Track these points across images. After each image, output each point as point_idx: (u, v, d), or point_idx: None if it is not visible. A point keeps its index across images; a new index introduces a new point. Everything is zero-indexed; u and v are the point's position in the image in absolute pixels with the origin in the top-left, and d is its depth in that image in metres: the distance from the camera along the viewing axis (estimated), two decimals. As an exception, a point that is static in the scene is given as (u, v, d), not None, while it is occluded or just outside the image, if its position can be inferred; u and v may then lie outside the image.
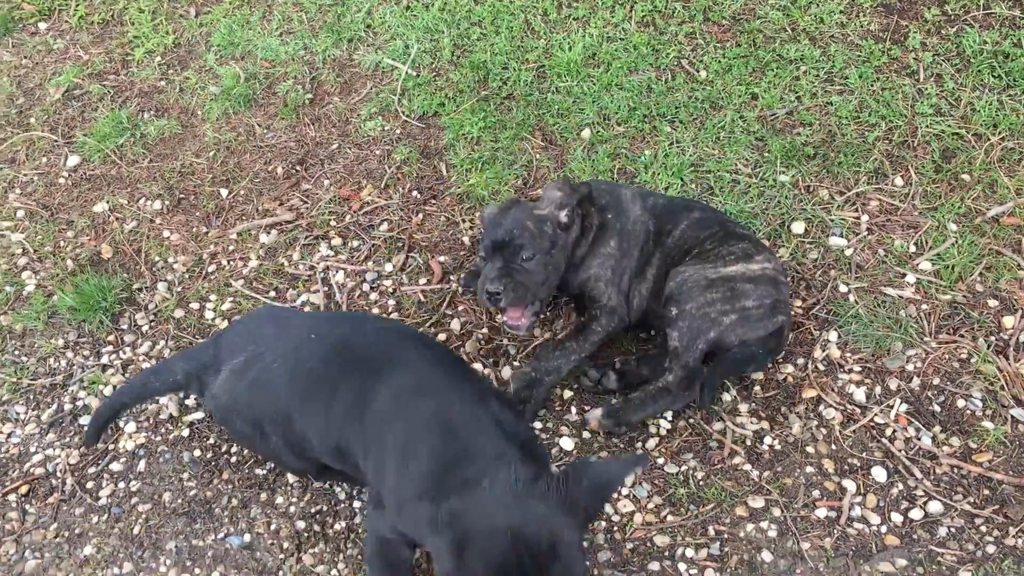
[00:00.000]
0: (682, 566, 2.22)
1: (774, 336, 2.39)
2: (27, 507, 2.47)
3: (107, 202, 3.08)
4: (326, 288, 2.84)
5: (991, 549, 2.17)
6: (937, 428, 2.39)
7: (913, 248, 2.74)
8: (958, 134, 2.92)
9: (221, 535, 2.37)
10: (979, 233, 2.72)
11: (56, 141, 3.25)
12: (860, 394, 2.47)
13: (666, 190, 2.86)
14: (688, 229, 2.54)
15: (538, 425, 2.51)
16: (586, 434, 2.49)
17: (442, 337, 2.71)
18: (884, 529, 2.23)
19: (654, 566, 2.23)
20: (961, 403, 2.43)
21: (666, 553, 2.25)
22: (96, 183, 3.14)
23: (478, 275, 2.70)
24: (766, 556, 2.21)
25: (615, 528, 2.30)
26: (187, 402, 2.63)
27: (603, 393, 2.52)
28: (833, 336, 2.57)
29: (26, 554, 2.38)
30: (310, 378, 2.12)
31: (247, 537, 2.36)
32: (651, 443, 2.44)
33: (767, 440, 2.41)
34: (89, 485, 2.50)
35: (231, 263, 2.92)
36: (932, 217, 2.78)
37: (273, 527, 2.34)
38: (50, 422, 2.63)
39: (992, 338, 2.51)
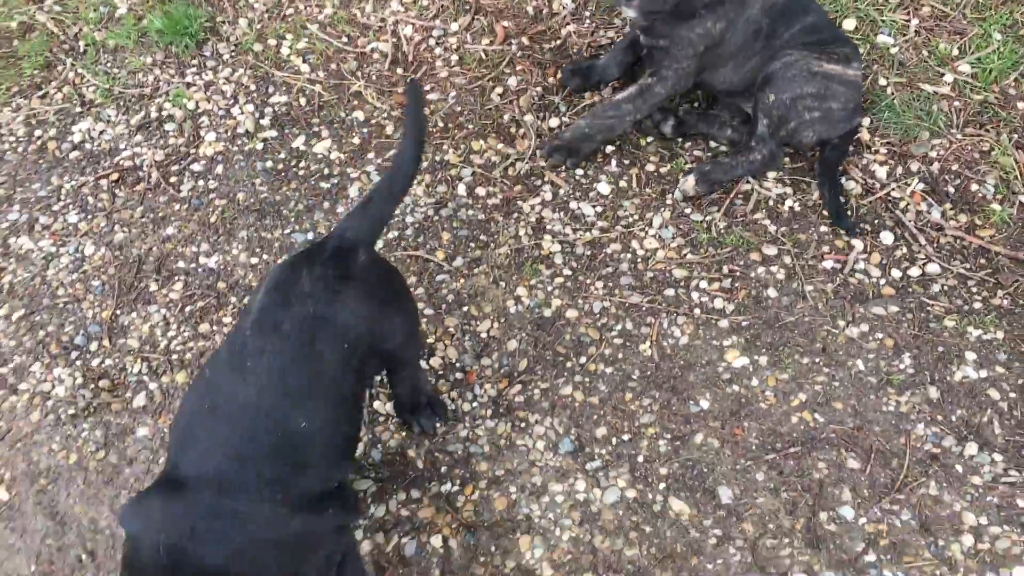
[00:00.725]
0: (695, 294, 2.51)
1: (849, 135, 2.61)
2: (116, 191, 2.81)
3: (196, -59, 3.30)
4: (395, 40, 3.07)
5: (978, 305, 2.44)
6: (948, 205, 2.62)
7: (956, 52, 2.90)
8: (1020, -51, 3.03)
9: (287, 231, 2.70)
10: (1022, 43, 2.87)
11: None
12: (882, 172, 2.70)
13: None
14: (799, 34, 2.62)
15: (579, 172, 2.77)
16: (623, 183, 2.75)
17: (498, 91, 2.94)
18: (883, 281, 2.50)
19: (669, 292, 2.52)
20: (975, 187, 2.65)
21: (682, 283, 2.54)
22: (187, -79, 3.35)
23: (577, 71, 2.89)
24: (771, 293, 2.50)
25: (638, 260, 2.59)
26: (262, 121, 2.92)
27: (658, 138, 2.74)
28: (866, 121, 2.77)
29: (115, 228, 2.73)
30: None
31: (310, 235, 2.68)
32: (678, 195, 2.69)
33: (788, 202, 2.66)
34: (172, 180, 2.82)
35: (307, 8, 3.15)
36: (979, 26, 2.93)
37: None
38: (138, 125, 2.94)
39: (1015, 135, 2.71)
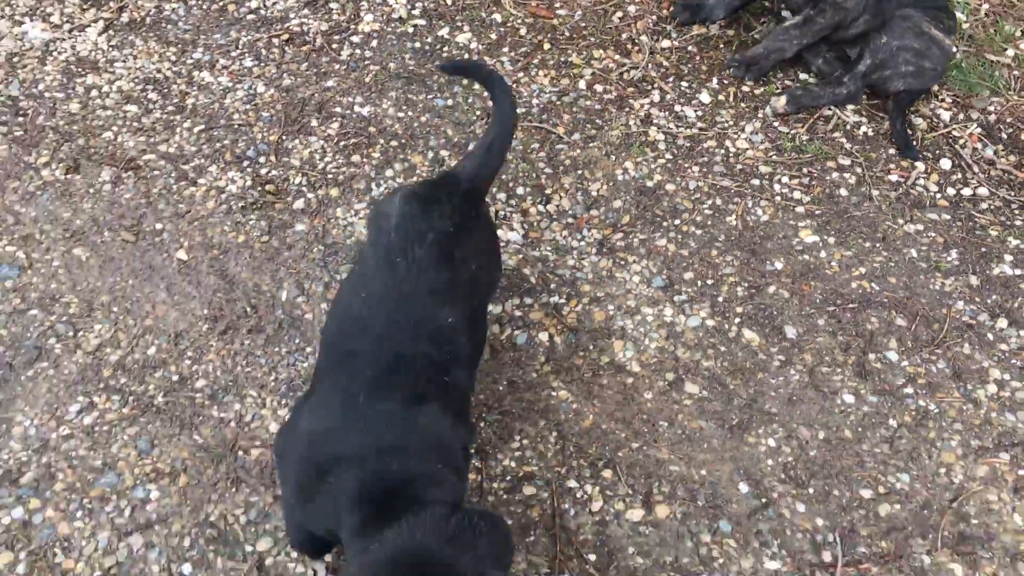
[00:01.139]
0: (776, 186, 3.04)
1: (925, 89, 3.18)
2: (285, 48, 3.37)
3: None
4: (531, -35, 3.64)
5: (1019, 223, 2.95)
6: (1000, 147, 3.15)
7: (1019, 33, 3.46)
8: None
9: (430, 96, 3.25)
10: (1078, 30, 3.42)
11: None
12: (946, 115, 3.23)
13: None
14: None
15: (683, 84, 3.32)
16: (721, 97, 3.29)
17: (619, 15, 3.51)
18: (939, 196, 3.01)
19: (755, 181, 3.05)
20: (1024, 136, 3.17)
21: (766, 176, 3.06)
22: None
23: (687, 7, 3.46)
24: (843, 192, 3.01)
25: (730, 155, 3.12)
26: (413, 11, 3.49)
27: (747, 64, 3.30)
28: (935, 75, 3.31)
29: (284, 75, 3.29)
30: None
31: (449, 102, 3.23)
32: (768, 110, 3.23)
33: (863, 128, 3.20)
34: (334, 46, 3.39)
35: (459, -70, 3.74)
36: (1042, 14, 3.49)
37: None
38: (306, 2, 3.51)
39: (1064, 99, 3.24)
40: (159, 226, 2.86)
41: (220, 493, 2.34)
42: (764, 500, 2.36)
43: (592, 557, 2.26)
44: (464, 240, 2.04)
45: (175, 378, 2.54)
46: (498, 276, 2.35)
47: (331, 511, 1.70)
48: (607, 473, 2.40)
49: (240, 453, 2.41)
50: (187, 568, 2.22)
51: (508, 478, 2.39)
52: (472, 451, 2.34)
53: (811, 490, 2.38)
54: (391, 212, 2.02)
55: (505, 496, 2.36)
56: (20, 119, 3.11)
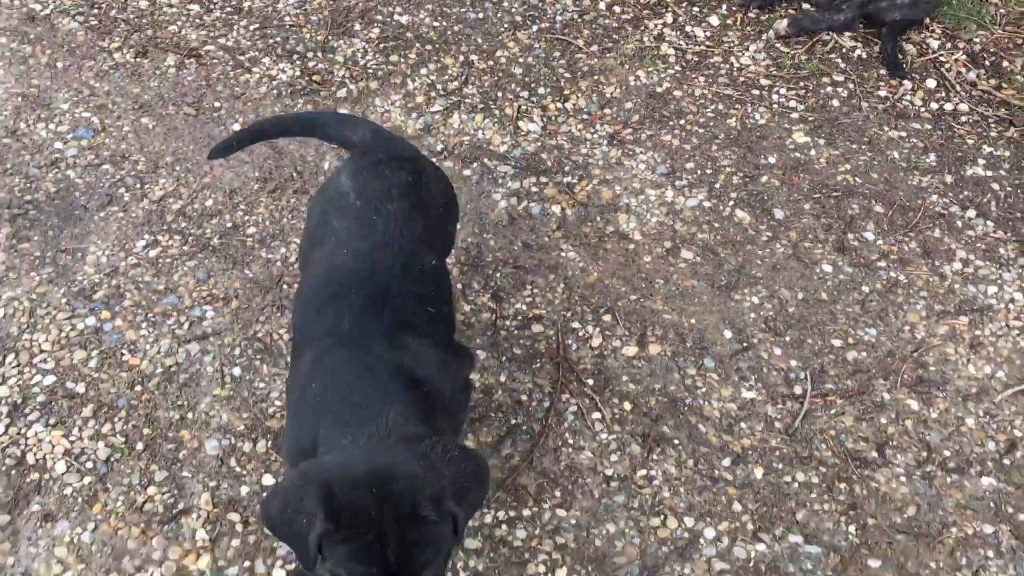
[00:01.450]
0: (775, 96, 3.39)
1: (919, 19, 3.53)
2: (334, -35, 3.75)
3: None
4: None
5: (993, 135, 3.28)
6: (982, 71, 3.48)
7: (1008, -22, 3.79)
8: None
9: (463, 10, 3.63)
10: (1062, -25, 3.75)
11: None
12: (934, 44, 3.57)
13: None
14: None
15: (695, 9, 3.67)
16: (729, 21, 3.64)
17: (639, -50, 3.86)
18: (923, 109, 3.35)
19: (755, 91, 3.39)
20: (1005, 64, 3.51)
21: (766, 88, 3.41)
22: None
23: None
24: (835, 103, 3.36)
25: (734, 70, 3.47)
26: (451, -62, 3.86)
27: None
28: (927, 10, 3.65)
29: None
30: None
31: (480, 15, 3.60)
32: (771, 33, 3.58)
33: (858, 51, 3.54)
34: (377, -36, 3.76)
35: None
36: (1031, -38, 3.82)
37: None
38: (354, -74, 3.89)
39: (1045, 33, 3.57)
40: (217, 104, 3.24)
41: (267, 316, 2.70)
42: (745, 344, 2.70)
43: (590, 382, 2.61)
44: (422, 183, 2.13)
45: (229, 225, 2.91)
46: (457, 207, 2.40)
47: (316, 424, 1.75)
48: (607, 318, 2.75)
49: (285, 286, 2.77)
50: (237, 371, 2.58)
51: (519, 318, 2.74)
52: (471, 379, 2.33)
53: (787, 338, 2.71)
54: (345, 189, 2.07)
55: (516, 332, 2.71)
56: (95, 11, 3.51)
